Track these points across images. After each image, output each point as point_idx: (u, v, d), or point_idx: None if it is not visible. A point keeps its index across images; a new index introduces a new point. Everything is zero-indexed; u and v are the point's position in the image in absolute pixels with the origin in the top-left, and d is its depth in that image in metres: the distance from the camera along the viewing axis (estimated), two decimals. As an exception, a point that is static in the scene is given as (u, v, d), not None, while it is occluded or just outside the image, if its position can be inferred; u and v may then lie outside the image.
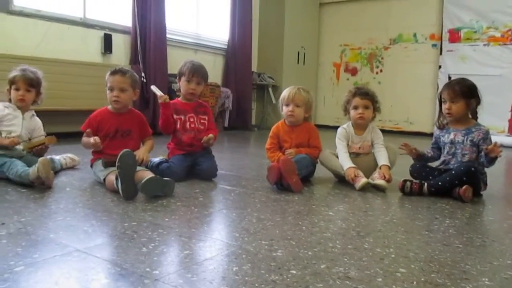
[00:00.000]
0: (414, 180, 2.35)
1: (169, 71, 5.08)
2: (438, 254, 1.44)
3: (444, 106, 2.40)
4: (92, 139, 2.26)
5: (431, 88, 6.33)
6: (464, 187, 2.18)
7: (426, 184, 2.30)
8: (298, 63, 6.93)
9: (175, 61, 5.10)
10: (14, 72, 2.42)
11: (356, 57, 7.11)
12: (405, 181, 2.32)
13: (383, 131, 2.84)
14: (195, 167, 2.56)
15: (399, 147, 2.52)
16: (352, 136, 2.62)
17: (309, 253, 1.40)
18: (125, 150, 2.02)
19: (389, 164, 2.48)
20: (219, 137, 2.84)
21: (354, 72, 7.11)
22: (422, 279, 1.23)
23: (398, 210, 2.10)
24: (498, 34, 5.83)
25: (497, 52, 5.83)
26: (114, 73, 2.35)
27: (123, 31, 4.86)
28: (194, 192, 2.21)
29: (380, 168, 2.46)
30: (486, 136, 2.34)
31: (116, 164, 1.97)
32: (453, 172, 2.28)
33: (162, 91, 2.60)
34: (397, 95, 6.54)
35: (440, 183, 2.28)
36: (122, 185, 1.96)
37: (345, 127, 2.64)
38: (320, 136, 2.68)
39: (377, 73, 6.88)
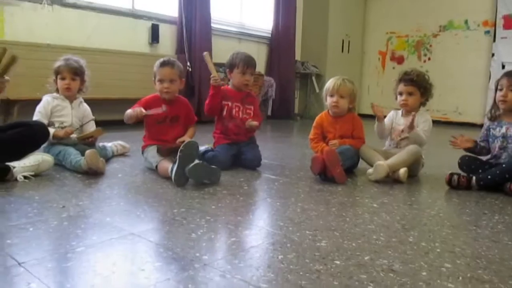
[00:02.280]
0: (462, 173, 2.30)
1: (214, 61, 5.13)
2: (485, 250, 1.42)
3: (499, 94, 2.32)
4: (137, 109, 2.34)
5: (482, 77, 6.07)
6: None
7: (474, 177, 2.25)
8: (342, 51, 6.83)
9: (220, 50, 5.17)
10: (58, 62, 2.54)
11: (403, 45, 6.91)
12: (452, 174, 2.27)
13: (431, 121, 2.76)
14: (240, 156, 2.62)
15: (451, 144, 2.43)
16: (398, 118, 2.62)
17: (353, 244, 1.41)
18: (191, 140, 2.15)
19: (393, 162, 2.37)
20: (262, 126, 2.88)
21: (400, 60, 6.92)
22: (468, 275, 1.22)
23: (445, 204, 2.07)
24: (558, 20, 5.50)
25: (556, 39, 5.50)
26: (163, 65, 2.44)
27: (169, 21, 4.97)
28: (239, 181, 2.27)
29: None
30: None
31: (180, 149, 2.06)
32: (504, 166, 2.21)
33: (207, 80, 2.65)
34: (446, 85, 6.30)
35: (489, 177, 2.22)
36: (177, 170, 2.04)
37: (396, 111, 2.67)
38: (363, 126, 2.66)
39: (425, 61, 6.67)
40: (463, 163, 2.45)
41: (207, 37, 5.16)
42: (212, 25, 5.26)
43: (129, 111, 2.39)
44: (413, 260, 1.30)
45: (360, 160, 2.62)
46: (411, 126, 2.43)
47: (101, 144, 2.68)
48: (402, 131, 2.55)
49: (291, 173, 2.53)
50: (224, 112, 2.65)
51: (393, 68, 6.93)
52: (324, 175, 2.31)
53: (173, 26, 5.01)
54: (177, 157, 2.05)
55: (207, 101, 2.63)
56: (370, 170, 2.40)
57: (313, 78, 6.59)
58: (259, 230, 1.56)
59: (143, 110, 2.36)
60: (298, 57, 6.62)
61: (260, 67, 6.02)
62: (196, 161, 2.08)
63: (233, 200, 1.90)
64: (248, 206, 1.85)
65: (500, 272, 1.25)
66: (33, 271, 1.12)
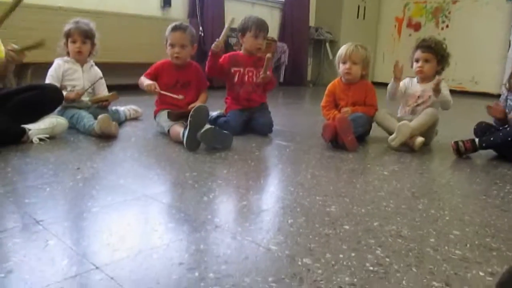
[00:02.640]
0: (465, 140, 2.27)
1: (226, 25, 5.07)
2: (495, 219, 1.43)
3: None
4: (151, 82, 2.36)
5: (502, 46, 5.90)
6: None
7: (477, 140, 2.24)
8: (357, 17, 6.66)
9: (232, 15, 5.03)
10: (68, 25, 2.52)
11: (420, 11, 6.71)
12: (456, 142, 2.26)
13: (446, 91, 2.73)
14: (252, 121, 2.62)
15: (487, 108, 2.36)
16: (414, 84, 2.60)
17: (362, 210, 1.43)
18: (201, 104, 2.15)
19: (413, 125, 2.37)
20: (275, 91, 2.87)
21: (417, 27, 6.74)
22: (476, 242, 1.23)
23: (456, 173, 2.07)
24: None
25: None
26: (174, 29, 2.41)
27: (182, -16, 4.88)
28: (251, 147, 2.28)
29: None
30: None
31: (191, 114, 2.06)
32: (508, 128, 2.20)
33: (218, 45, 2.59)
34: (463, 53, 6.14)
35: (492, 139, 2.23)
36: (188, 134, 2.06)
37: (411, 78, 2.64)
38: (377, 94, 2.63)
39: (442, 28, 6.49)
40: (478, 129, 2.44)
41: (219, 1, 5.07)
42: (225, -12, 5.15)
43: (144, 83, 2.40)
44: (421, 227, 1.32)
45: (373, 127, 2.61)
46: (437, 90, 2.40)
47: (114, 108, 2.70)
48: (419, 97, 2.54)
49: (302, 139, 2.54)
50: (236, 79, 2.63)
51: (410, 35, 6.76)
52: (336, 142, 2.31)
53: (186, -11, 4.92)
54: (188, 122, 2.07)
55: (207, 63, 2.60)
56: (392, 136, 2.37)
57: (327, 44, 6.47)
58: (270, 194, 1.58)
59: (157, 88, 2.36)
60: (312, 23, 6.48)
61: (273, 32, 5.92)
62: (208, 126, 2.09)
63: (245, 165, 1.92)
64: (259, 171, 1.87)
65: (508, 240, 1.26)
66: (51, 229, 1.16)
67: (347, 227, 1.29)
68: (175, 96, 2.40)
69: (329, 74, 6.18)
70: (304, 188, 1.64)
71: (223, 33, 2.55)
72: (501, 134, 2.22)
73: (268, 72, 2.57)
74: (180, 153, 2.05)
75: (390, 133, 2.56)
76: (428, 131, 2.45)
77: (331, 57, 6.25)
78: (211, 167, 1.84)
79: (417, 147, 2.33)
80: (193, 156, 2.01)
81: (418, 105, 2.56)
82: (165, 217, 1.32)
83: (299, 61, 6.21)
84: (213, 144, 2.13)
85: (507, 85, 2.40)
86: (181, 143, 2.12)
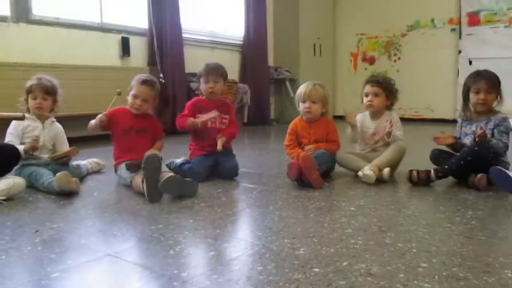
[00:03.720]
0: (420, 170, 2.34)
1: (187, 70, 5.14)
2: (460, 247, 1.45)
3: (478, 97, 2.36)
4: (98, 116, 2.37)
5: (451, 73, 6.22)
6: (479, 175, 2.18)
7: (432, 170, 2.32)
8: (314, 54, 6.90)
9: (192, 60, 5.16)
10: (31, 82, 2.49)
11: (373, 46, 7.03)
12: (411, 171, 2.33)
13: (404, 119, 2.84)
14: (217, 166, 2.61)
15: (434, 140, 2.45)
16: (366, 121, 2.68)
17: (331, 250, 1.42)
18: (151, 153, 2.10)
19: (381, 162, 2.44)
20: (239, 133, 2.89)
21: (372, 61, 7.04)
22: (444, 273, 1.24)
23: (420, 203, 2.11)
24: (519, 15, 5.68)
25: (519, 34, 5.68)
26: (144, 83, 2.44)
27: (140, 33, 4.93)
28: (217, 192, 2.26)
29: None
30: (501, 123, 2.33)
31: (142, 166, 2.03)
32: (459, 155, 2.29)
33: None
34: (417, 83, 6.44)
35: (446, 167, 2.30)
36: (147, 187, 2.03)
37: (363, 114, 2.72)
38: (339, 127, 2.69)
39: (395, 61, 6.80)
40: (433, 156, 2.52)
41: (178, 47, 5.14)
42: (184, 35, 5.24)
43: (91, 122, 2.41)
44: (390, 262, 1.32)
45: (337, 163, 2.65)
46: (388, 134, 2.50)
47: (75, 163, 2.63)
48: (374, 134, 2.63)
49: (269, 180, 2.54)
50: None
51: (365, 69, 7.03)
52: (301, 181, 2.32)
53: (144, 38, 4.97)
54: (143, 174, 2.03)
55: (178, 119, 2.62)
56: (360, 173, 2.41)
57: (287, 83, 6.64)
58: (238, 241, 1.55)
59: (106, 114, 2.41)
60: (271, 62, 6.65)
61: (234, 74, 6.03)
62: (169, 174, 2.06)
63: (211, 212, 1.89)
64: (226, 217, 1.84)
65: (474, 268, 1.28)
66: (6, 302, 1.09)
67: (316, 269, 1.27)
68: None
69: (291, 112, 6.29)
70: (272, 231, 1.62)
71: (206, 119, 2.58)
72: (454, 160, 2.30)
73: (223, 139, 2.60)
74: (144, 205, 2.01)
75: (356, 171, 2.58)
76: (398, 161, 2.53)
77: (292, 95, 6.39)
78: (177, 218, 1.80)
79: (387, 177, 2.38)
80: (158, 207, 1.97)
81: (376, 142, 2.63)
82: (130, 277, 1.26)
83: (262, 101, 6.31)
84: (176, 193, 2.09)
85: (464, 117, 2.50)
86: (144, 194, 2.08)
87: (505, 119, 2.35)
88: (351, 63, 7.28)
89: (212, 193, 2.23)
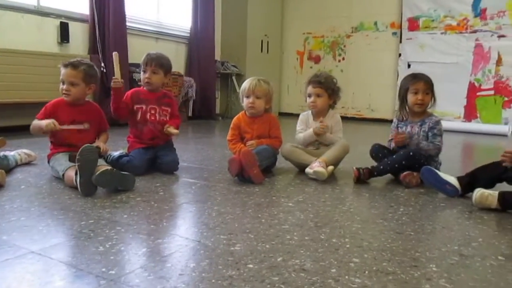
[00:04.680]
0: (364, 168, 2.41)
1: (130, 61, 4.97)
2: (390, 242, 1.50)
3: (416, 97, 2.44)
4: (50, 120, 2.19)
5: (391, 75, 6.48)
6: (405, 172, 2.30)
7: (370, 167, 2.43)
8: (261, 51, 6.92)
9: (136, 50, 5.00)
10: None
11: (319, 45, 7.17)
12: (358, 169, 2.39)
13: (346, 118, 2.92)
14: (156, 160, 2.54)
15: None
16: (310, 122, 2.71)
17: (267, 246, 1.42)
18: (86, 144, 1.99)
19: (328, 159, 2.49)
20: (183, 127, 2.83)
21: (317, 60, 7.17)
22: (374, 268, 1.28)
23: (356, 199, 2.16)
24: (454, 23, 6.01)
25: (453, 41, 6.01)
26: (65, 66, 2.28)
27: (80, 19, 4.70)
28: (155, 186, 2.20)
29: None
30: (434, 126, 2.45)
31: (76, 158, 1.93)
32: (394, 157, 2.40)
33: (123, 80, 2.53)
34: (359, 83, 6.67)
35: (381, 167, 2.42)
36: (81, 180, 1.93)
37: (306, 113, 2.76)
38: (284, 124, 2.72)
39: (339, 61, 6.97)
40: (373, 151, 2.61)
41: (122, 36, 4.96)
42: (128, 23, 5.06)
43: (42, 124, 2.20)
44: (323, 258, 1.34)
45: (278, 159, 2.66)
46: (318, 133, 2.61)
47: (1, 153, 2.46)
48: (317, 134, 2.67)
49: (210, 175, 2.51)
50: (138, 117, 2.55)
51: (311, 67, 7.16)
52: (242, 176, 2.31)
53: (85, 24, 4.74)
54: (77, 167, 1.94)
55: (111, 104, 2.51)
56: (310, 170, 2.43)
57: (234, 78, 6.61)
58: (172, 238, 1.51)
59: (57, 125, 2.20)
60: (218, 57, 6.60)
61: (180, 67, 5.92)
62: (104, 168, 1.98)
63: (147, 207, 1.83)
64: (162, 212, 1.79)
65: (402, 262, 1.32)
66: None
67: (251, 265, 1.26)
68: (79, 127, 2.28)
69: (237, 107, 6.27)
70: (209, 227, 1.59)
71: (116, 69, 2.47)
72: (389, 162, 2.41)
73: (175, 131, 2.51)
74: (77, 199, 1.91)
75: (301, 166, 2.61)
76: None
77: (238, 90, 6.36)
78: (110, 213, 1.73)
79: (329, 175, 2.42)
80: (91, 201, 1.88)
81: (320, 142, 2.68)
82: (53, 275, 1.19)
83: (208, 95, 6.25)
84: (111, 187, 2.01)
85: (401, 118, 2.59)
86: (76, 188, 1.98)
87: (438, 122, 2.47)
88: (298, 61, 7.38)
89: (150, 188, 2.16)
